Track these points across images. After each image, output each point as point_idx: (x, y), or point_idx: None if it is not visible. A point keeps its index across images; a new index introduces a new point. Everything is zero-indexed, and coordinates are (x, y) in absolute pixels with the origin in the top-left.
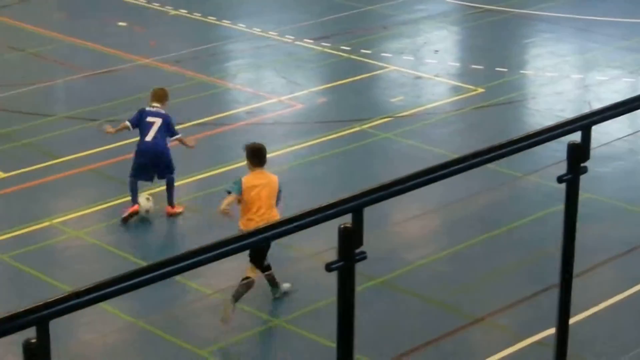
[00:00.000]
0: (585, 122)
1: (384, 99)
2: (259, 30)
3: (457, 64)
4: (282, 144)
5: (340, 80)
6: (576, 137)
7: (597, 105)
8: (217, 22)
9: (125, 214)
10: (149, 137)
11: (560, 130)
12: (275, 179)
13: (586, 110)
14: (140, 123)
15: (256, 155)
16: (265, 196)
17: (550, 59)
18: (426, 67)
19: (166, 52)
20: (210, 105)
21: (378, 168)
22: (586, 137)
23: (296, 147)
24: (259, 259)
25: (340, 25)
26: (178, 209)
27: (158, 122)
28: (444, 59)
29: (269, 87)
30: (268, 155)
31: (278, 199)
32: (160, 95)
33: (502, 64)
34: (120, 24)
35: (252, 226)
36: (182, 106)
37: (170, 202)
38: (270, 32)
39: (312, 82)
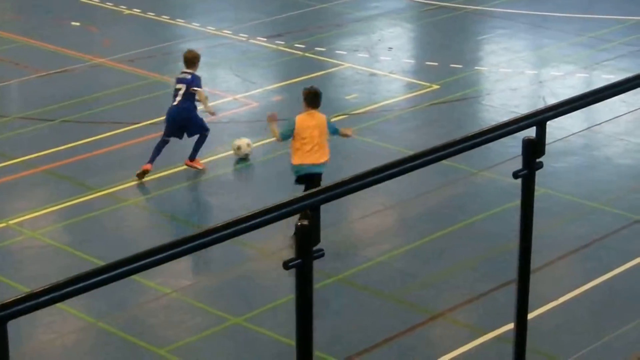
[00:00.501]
0: (540, 118)
1: (339, 97)
2: (213, 28)
3: (412, 61)
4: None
5: (295, 78)
6: (531, 132)
7: (551, 101)
8: (171, 21)
9: (139, 171)
10: (175, 102)
11: (515, 126)
12: (324, 119)
13: (541, 105)
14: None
15: (311, 98)
16: (317, 135)
17: (504, 55)
18: (381, 64)
19: (120, 52)
20: (164, 104)
21: (334, 165)
22: (541, 133)
23: (254, 144)
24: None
25: (295, 23)
26: (198, 165)
27: (183, 88)
28: (399, 56)
29: (224, 85)
30: (224, 154)
31: (336, 130)
32: (188, 59)
33: (456, 60)
34: (74, 23)
35: (307, 161)
36: (136, 105)
37: (193, 156)
38: (225, 31)
39: (267, 81)
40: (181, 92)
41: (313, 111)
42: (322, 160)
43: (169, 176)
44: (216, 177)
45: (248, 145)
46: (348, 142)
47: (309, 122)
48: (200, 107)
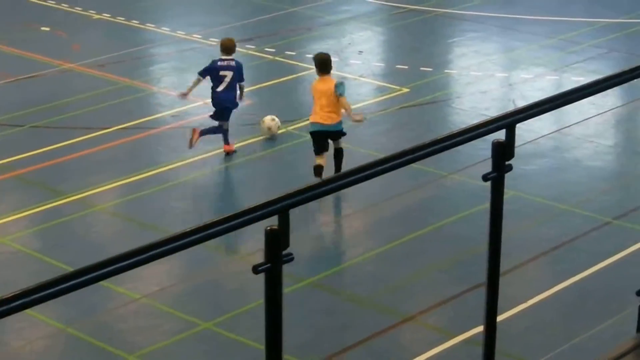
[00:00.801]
0: (510, 120)
1: (310, 101)
2: (183, 33)
3: (382, 65)
4: (208, 147)
5: (265, 82)
6: (501, 135)
7: (521, 104)
8: (141, 26)
9: (228, 152)
10: (220, 88)
11: (484, 129)
12: (332, 84)
13: (511, 108)
14: (211, 73)
15: (318, 66)
16: (325, 98)
17: (474, 58)
18: (351, 67)
19: (90, 57)
20: (135, 109)
21: (304, 169)
22: (511, 135)
23: (222, 150)
24: (320, 147)
25: (265, 27)
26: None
27: (229, 74)
28: (369, 60)
29: (195, 90)
30: (194, 159)
31: (341, 94)
32: (228, 47)
33: (426, 63)
34: (43, 28)
35: (316, 120)
36: (106, 110)
37: (226, 141)
38: (195, 35)
39: None
40: (227, 79)
41: (324, 77)
42: (329, 122)
43: (140, 181)
44: (187, 181)
45: (273, 120)
46: None
47: (321, 86)
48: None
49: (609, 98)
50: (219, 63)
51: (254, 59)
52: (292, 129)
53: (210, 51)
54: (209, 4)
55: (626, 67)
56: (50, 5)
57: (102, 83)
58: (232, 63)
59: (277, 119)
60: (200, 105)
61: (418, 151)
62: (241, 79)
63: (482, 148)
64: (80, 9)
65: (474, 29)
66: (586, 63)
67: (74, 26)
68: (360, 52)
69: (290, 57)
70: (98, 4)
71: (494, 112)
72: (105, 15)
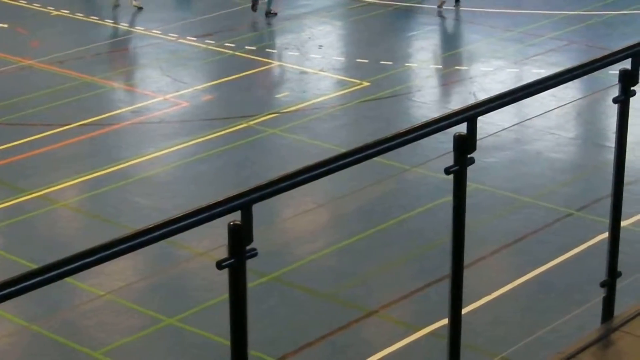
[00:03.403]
0: (471, 114)
1: (270, 95)
2: (142, 29)
3: (342, 58)
4: (169, 143)
5: (225, 77)
6: (462, 128)
7: (482, 96)
8: (100, 22)
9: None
10: None
11: (446, 122)
12: None
13: (471, 101)
14: None
15: None
16: None
17: (434, 51)
18: (311, 62)
19: (49, 53)
20: (95, 105)
21: (266, 164)
22: (472, 128)
23: (183, 145)
24: None
25: (224, 22)
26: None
27: None
28: (329, 54)
29: (154, 85)
30: (155, 154)
31: None
32: None
33: (386, 57)
34: (2, 25)
35: None
36: (66, 107)
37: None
38: (154, 31)
39: (197, 80)
40: None
41: None
42: None
43: (101, 177)
44: (149, 177)
45: None
46: (279, 140)
47: None
48: None
49: (569, 90)
50: None
51: (214, 54)
52: (254, 124)
53: (170, 46)
54: (167, 1)
55: (586, 59)
56: (9, 2)
57: (61, 79)
58: None
59: None
60: (160, 101)
61: (379, 145)
62: None
63: (444, 141)
64: (39, 5)
65: (432, 22)
66: (546, 55)
67: (33, 23)
68: (320, 46)
69: (250, 52)
70: (56, 1)
71: (454, 105)
72: (64, 12)
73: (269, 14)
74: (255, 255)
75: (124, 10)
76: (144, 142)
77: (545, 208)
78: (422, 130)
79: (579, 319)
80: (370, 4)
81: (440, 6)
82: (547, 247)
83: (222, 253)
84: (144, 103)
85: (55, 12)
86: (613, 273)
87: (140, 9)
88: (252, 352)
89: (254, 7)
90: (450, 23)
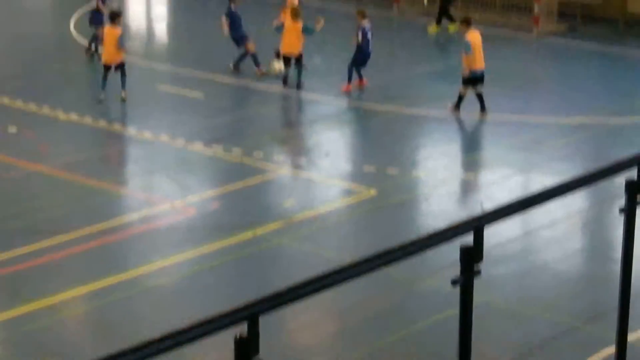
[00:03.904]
0: (477, 224)
1: (277, 203)
2: (150, 134)
3: (349, 166)
4: (176, 251)
5: (232, 184)
6: (469, 238)
7: (489, 205)
8: (108, 127)
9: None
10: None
11: (452, 233)
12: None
13: (478, 210)
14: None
15: (291, 14)
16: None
17: (441, 159)
18: (318, 169)
19: (57, 158)
20: (103, 211)
21: (272, 274)
22: (478, 239)
23: (190, 254)
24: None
25: (232, 129)
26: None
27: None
28: (336, 161)
29: (161, 192)
30: (162, 264)
31: None
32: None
33: (394, 165)
34: (10, 129)
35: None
36: (74, 213)
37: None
38: (162, 136)
39: (205, 187)
40: (371, 38)
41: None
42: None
43: (108, 286)
44: (156, 287)
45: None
46: (286, 250)
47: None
48: None
49: (577, 199)
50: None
51: (222, 160)
52: (261, 233)
53: (177, 152)
54: (175, 106)
55: (592, 168)
56: (19, 106)
57: (69, 185)
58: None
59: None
60: (167, 208)
61: (386, 256)
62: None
63: (451, 251)
64: (48, 109)
65: (440, 130)
66: (553, 163)
67: (41, 127)
68: (327, 154)
69: (258, 159)
70: (66, 105)
71: (462, 214)
72: (73, 116)
73: (300, 86)
74: None
75: (133, 115)
76: (151, 250)
77: (551, 321)
78: (429, 241)
79: None
80: (377, 111)
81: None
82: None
83: None
84: (152, 210)
85: (64, 117)
86: None
87: (123, 101)
88: None
89: (285, 82)
90: (456, 131)
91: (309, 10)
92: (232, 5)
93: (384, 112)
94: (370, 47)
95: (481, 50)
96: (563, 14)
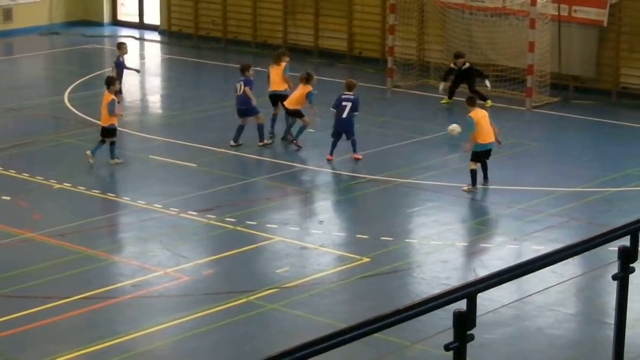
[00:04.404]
0: (471, 290)
1: (270, 270)
2: (143, 202)
3: (343, 234)
4: (168, 317)
5: (226, 252)
6: (462, 305)
7: (482, 273)
8: (102, 195)
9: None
10: (344, 115)
11: (445, 299)
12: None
13: (471, 278)
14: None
15: (303, 79)
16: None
17: (434, 227)
18: (311, 237)
19: (50, 226)
20: (95, 278)
21: (266, 340)
22: (472, 305)
23: (182, 320)
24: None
25: (225, 197)
26: (359, 156)
27: (349, 105)
28: (329, 229)
29: (155, 259)
30: (154, 329)
31: None
32: (352, 85)
33: (387, 233)
34: (4, 198)
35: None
36: (67, 280)
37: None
38: (155, 205)
39: (197, 255)
40: (348, 108)
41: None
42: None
43: (100, 351)
44: (147, 351)
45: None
46: (279, 316)
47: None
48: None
49: (570, 266)
50: (343, 97)
51: (215, 228)
52: (254, 299)
53: (171, 220)
54: (168, 175)
55: (585, 236)
56: (12, 174)
57: (62, 252)
58: (352, 97)
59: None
60: (160, 275)
61: (379, 321)
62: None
63: (444, 317)
64: (41, 178)
65: (432, 198)
66: (546, 232)
67: (34, 196)
68: (320, 221)
69: (251, 227)
70: (59, 174)
71: (454, 282)
72: (66, 185)
73: (294, 143)
74: None
75: (126, 184)
76: (143, 317)
77: None
78: (423, 307)
79: None
80: (370, 180)
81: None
82: None
83: None
84: (145, 277)
85: (57, 185)
86: None
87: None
88: None
89: (285, 138)
90: (450, 199)
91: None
92: (247, 74)
93: (377, 181)
94: (343, 116)
95: (487, 125)
96: (556, 86)
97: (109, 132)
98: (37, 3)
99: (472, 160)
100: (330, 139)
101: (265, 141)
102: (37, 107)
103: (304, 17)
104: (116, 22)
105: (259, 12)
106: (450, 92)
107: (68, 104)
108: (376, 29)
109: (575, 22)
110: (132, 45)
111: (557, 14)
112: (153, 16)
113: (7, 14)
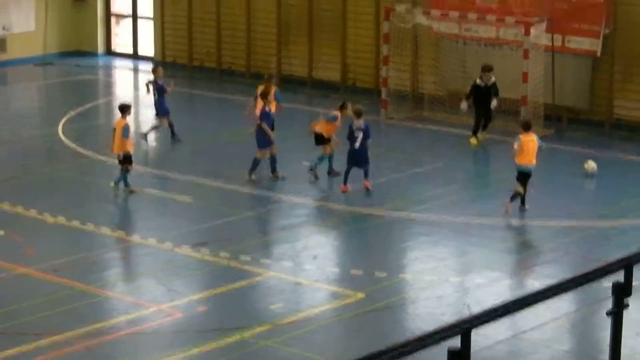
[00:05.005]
0: (465, 327)
1: (264, 306)
2: (138, 237)
3: (337, 269)
4: (163, 354)
5: (220, 287)
6: (456, 341)
7: (477, 309)
8: (96, 230)
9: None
10: (356, 146)
11: (440, 336)
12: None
13: (466, 313)
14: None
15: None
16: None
17: (428, 262)
18: (306, 272)
19: (44, 261)
20: (89, 314)
21: None
22: (466, 342)
23: (177, 357)
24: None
25: (219, 232)
26: (369, 184)
27: (360, 135)
28: (324, 265)
29: (149, 295)
30: None
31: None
32: (360, 112)
33: (381, 268)
34: None
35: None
36: (61, 316)
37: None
38: (149, 239)
39: (191, 290)
40: (360, 137)
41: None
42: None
43: None
44: None
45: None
46: (273, 352)
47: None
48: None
49: (564, 302)
50: (355, 126)
51: (209, 264)
52: (247, 336)
53: (165, 255)
54: (163, 209)
55: (581, 271)
56: (6, 208)
57: (56, 288)
58: (363, 125)
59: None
60: (155, 311)
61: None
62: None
63: (439, 354)
64: (35, 212)
65: (427, 232)
66: (542, 267)
67: (29, 230)
68: (314, 257)
69: (245, 262)
70: (53, 207)
71: (449, 318)
72: (61, 219)
73: (312, 172)
74: None
75: (120, 218)
76: (138, 354)
77: None
78: (417, 344)
79: None
80: (364, 214)
81: (506, 211)
82: None
83: None
84: (139, 313)
85: (52, 220)
86: None
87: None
88: None
89: (274, 174)
90: (444, 234)
91: (298, 113)
92: (267, 107)
93: (371, 216)
94: (356, 146)
95: (529, 150)
96: (549, 117)
97: (126, 159)
98: (31, 33)
99: (516, 180)
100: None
101: (278, 173)
102: (31, 139)
103: (297, 48)
104: (110, 53)
105: (253, 43)
106: (478, 126)
107: (62, 136)
108: (370, 59)
109: (568, 52)
110: (126, 76)
111: (550, 44)
112: (147, 47)
113: (2, 44)
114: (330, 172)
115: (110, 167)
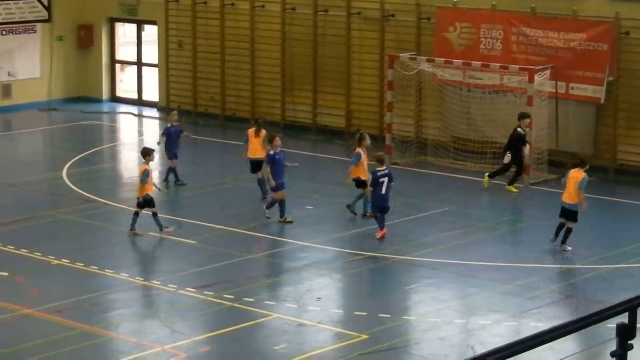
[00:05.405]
0: None
1: (268, 347)
2: (141, 279)
3: (340, 311)
4: None
5: (223, 328)
6: None
7: (480, 350)
8: (100, 272)
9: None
10: (383, 191)
11: None
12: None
13: (469, 355)
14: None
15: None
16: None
17: (432, 304)
18: (309, 314)
19: (48, 302)
20: (93, 355)
21: None
22: None
23: None
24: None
25: (223, 274)
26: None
27: (386, 180)
28: (327, 306)
29: (153, 336)
30: None
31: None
32: (381, 158)
33: (384, 310)
34: (2, 273)
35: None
36: (64, 356)
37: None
38: (153, 281)
39: (195, 331)
40: (385, 183)
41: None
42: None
43: None
44: None
45: None
46: None
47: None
48: None
49: (568, 343)
50: (378, 172)
51: (213, 305)
52: None
53: (169, 297)
54: (166, 251)
55: (584, 313)
56: (10, 250)
57: (59, 329)
58: (386, 171)
59: None
60: (158, 352)
61: None
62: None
63: None
64: (39, 254)
65: (430, 275)
66: (544, 309)
67: (33, 271)
68: (318, 298)
69: (249, 304)
70: (57, 250)
71: (453, 359)
72: (65, 261)
73: (349, 208)
74: None
75: (124, 260)
76: None
77: None
78: None
79: None
80: (367, 257)
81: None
82: None
83: None
84: (142, 353)
85: (56, 261)
86: None
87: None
88: None
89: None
90: (447, 276)
91: (303, 158)
92: (272, 151)
93: (376, 258)
94: (382, 192)
95: (570, 186)
96: (553, 163)
97: (146, 203)
98: (36, 79)
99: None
100: (334, 216)
101: (286, 218)
102: (36, 183)
103: (302, 94)
104: (115, 99)
105: (257, 89)
106: (519, 173)
107: (66, 180)
108: (374, 105)
109: (572, 99)
110: (131, 122)
111: (554, 91)
112: (152, 93)
113: (6, 90)
114: (365, 214)
115: (114, 210)
